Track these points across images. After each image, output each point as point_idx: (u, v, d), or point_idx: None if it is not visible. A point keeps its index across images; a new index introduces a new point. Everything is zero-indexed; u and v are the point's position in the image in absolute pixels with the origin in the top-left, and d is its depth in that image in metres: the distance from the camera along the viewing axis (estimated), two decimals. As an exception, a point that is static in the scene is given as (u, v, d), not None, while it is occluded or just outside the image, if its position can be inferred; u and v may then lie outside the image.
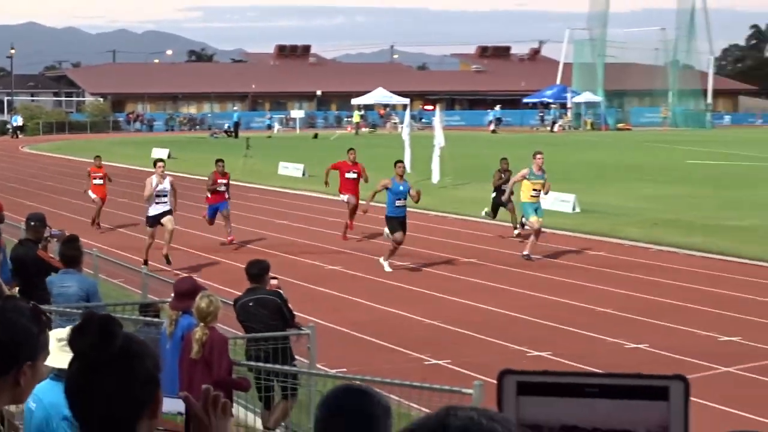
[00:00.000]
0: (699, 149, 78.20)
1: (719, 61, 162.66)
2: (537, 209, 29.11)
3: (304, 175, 56.03)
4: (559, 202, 40.16)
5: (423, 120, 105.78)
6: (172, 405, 3.89)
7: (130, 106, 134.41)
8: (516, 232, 32.64)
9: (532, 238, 28.86)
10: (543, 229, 29.85)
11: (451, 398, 10.57)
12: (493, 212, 34.26)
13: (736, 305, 22.92)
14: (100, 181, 36.80)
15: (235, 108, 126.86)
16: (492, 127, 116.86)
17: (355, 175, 34.43)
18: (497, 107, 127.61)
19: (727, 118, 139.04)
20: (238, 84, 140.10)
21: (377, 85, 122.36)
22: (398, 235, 27.23)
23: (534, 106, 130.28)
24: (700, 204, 41.38)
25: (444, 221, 38.25)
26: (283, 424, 14.45)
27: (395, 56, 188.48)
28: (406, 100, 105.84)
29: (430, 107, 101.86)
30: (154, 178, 28.28)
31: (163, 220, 28.10)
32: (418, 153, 53.56)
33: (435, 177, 50.78)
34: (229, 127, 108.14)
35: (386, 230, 28.99)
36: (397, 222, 27.53)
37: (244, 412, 14.51)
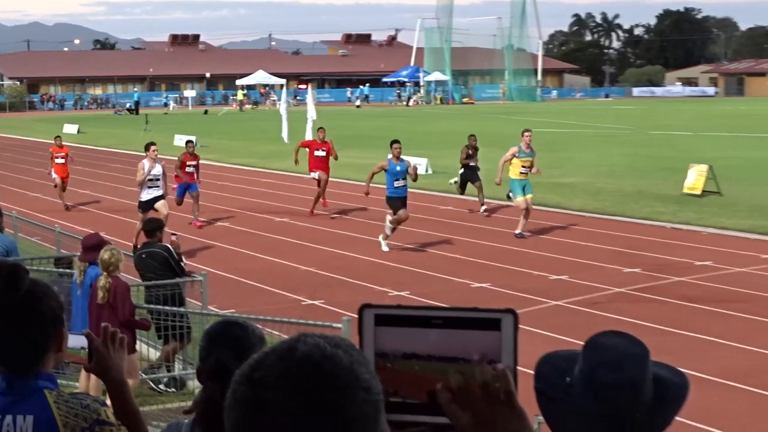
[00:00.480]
0: (531, 119, 79.03)
1: (547, 45, 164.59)
2: (525, 187, 25.05)
3: (196, 145, 55.70)
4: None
5: (298, 97, 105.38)
6: (76, 341, 3.87)
7: (43, 89, 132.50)
8: (483, 208, 28.79)
9: (522, 217, 24.95)
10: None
11: (323, 332, 10.51)
12: (461, 188, 30.12)
13: (564, 249, 23.23)
14: (62, 161, 32.35)
15: (135, 89, 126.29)
16: (358, 102, 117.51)
17: (324, 153, 29.76)
18: (367, 86, 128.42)
19: (554, 93, 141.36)
20: (137, 68, 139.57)
21: (258, 68, 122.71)
22: (402, 212, 23.12)
23: (392, 84, 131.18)
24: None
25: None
26: (180, 357, 14.36)
27: (273, 43, 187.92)
28: (283, 81, 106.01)
29: (304, 86, 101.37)
30: (146, 162, 23.98)
31: (157, 206, 23.82)
32: (294, 125, 53.58)
33: (308, 146, 50.72)
34: (130, 105, 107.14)
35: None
36: (399, 201, 23.28)
37: (146, 347, 14.37)
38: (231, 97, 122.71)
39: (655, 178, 35.79)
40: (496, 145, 52.51)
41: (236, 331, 4.04)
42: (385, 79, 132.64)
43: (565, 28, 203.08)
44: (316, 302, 18.36)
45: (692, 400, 10.81)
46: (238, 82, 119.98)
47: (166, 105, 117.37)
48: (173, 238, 15.57)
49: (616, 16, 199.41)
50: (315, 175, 29.82)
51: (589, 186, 34.08)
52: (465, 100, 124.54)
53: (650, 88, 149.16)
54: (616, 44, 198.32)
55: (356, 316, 2.20)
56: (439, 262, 22.14)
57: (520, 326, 2.10)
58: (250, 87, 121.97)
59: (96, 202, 33.36)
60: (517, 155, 25.39)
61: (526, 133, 25.69)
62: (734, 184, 32.68)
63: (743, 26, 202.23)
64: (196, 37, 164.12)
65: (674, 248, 23.16)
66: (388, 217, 23.48)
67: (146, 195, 23.95)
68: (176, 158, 28.65)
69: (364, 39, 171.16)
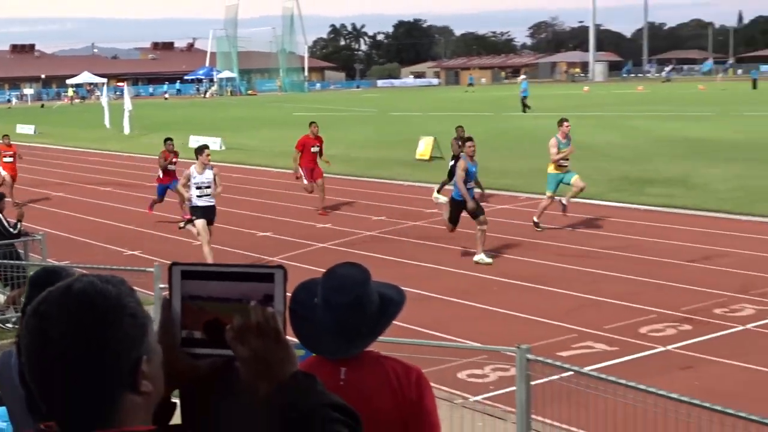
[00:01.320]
0: (300, 106, 79.09)
1: (311, 49, 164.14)
2: (563, 179, 18.95)
3: (35, 132, 54.00)
4: (211, 143, 39.97)
5: (117, 93, 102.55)
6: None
7: None
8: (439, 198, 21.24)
9: (570, 194, 19.08)
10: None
11: (138, 275, 10.37)
12: (449, 177, 21.73)
13: (327, 204, 23.31)
14: (10, 159, 25.82)
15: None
16: (166, 95, 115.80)
17: (318, 149, 22.49)
18: (177, 82, 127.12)
19: (318, 85, 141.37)
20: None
21: (84, 70, 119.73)
22: (482, 218, 16.25)
23: (192, 81, 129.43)
24: (302, 141, 41.83)
25: (133, 159, 37.40)
26: (23, 299, 13.86)
27: (95, 50, 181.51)
28: (105, 80, 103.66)
29: (121, 84, 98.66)
30: (193, 170, 16.21)
31: (198, 225, 16.11)
32: (115, 115, 52.47)
33: (126, 130, 49.96)
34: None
35: (438, 196, 18.65)
36: (465, 204, 16.33)
37: (-3, 294, 13.84)
38: (63, 94, 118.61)
39: (394, 148, 36.32)
40: (270, 126, 52.58)
41: (52, 277, 3.91)
42: (186, 77, 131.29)
43: (325, 36, 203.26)
44: (135, 252, 17.96)
45: (424, 313, 10.97)
46: (68, 81, 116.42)
47: (9, 101, 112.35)
48: (21, 209, 15.02)
49: (363, 26, 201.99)
50: (307, 185, 22.33)
51: (345, 156, 34.26)
52: (249, 92, 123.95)
53: (390, 81, 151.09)
54: (363, 47, 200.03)
55: (165, 261, 2.19)
56: (232, 217, 21.93)
57: (295, 263, 2.12)
58: (78, 85, 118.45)
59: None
60: (559, 147, 19.02)
61: (565, 123, 19.15)
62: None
63: (458, 32, 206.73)
64: (32, 46, 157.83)
65: (410, 201, 23.58)
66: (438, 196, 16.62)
67: (197, 201, 16.20)
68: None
69: (168, 46, 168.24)
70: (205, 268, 2.16)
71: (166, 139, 22.29)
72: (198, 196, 16.14)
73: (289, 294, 2.21)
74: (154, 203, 22.00)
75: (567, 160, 19.06)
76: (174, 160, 21.76)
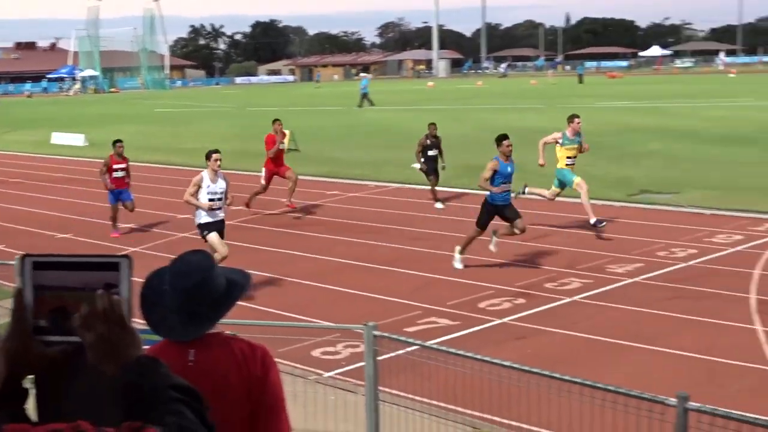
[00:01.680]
0: (162, 102, 77.66)
1: (172, 48, 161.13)
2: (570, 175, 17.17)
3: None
4: (73, 139, 38.90)
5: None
6: None
7: None
8: (438, 205, 20.12)
9: (585, 200, 16.74)
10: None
11: (1, 269, 10.04)
12: (432, 175, 20.51)
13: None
14: None
15: None
16: (27, 93, 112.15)
17: (284, 146, 20.79)
18: (44, 80, 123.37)
19: (179, 83, 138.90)
20: None
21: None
22: (519, 222, 14.26)
23: (55, 79, 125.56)
24: (165, 135, 41.04)
25: (3, 156, 36.03)
26: None
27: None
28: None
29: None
30: (206, 175, 13.52)
31: (213, 242, 13.11)
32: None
33: (-10, 128, 48.03)
34: None
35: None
36: (508, 209, 14.42)
37: None
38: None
39: (253, 141, 35.91)
40: (132, 122, 51.44)
41: None
42: (49, 76, 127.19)
43: (185, 35, 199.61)
44: (0, 247, 17.31)
45: (282, 296, 10.96)
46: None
47: None
48: None
49: (222, 26, 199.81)
50: (261, 188, 20.45)
51: (204, 149, 33.78)
52: (112, 89, 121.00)
53: (248, 78, 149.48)
54: (222, 46, 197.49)
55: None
56: (94, 210, 21.40)
57: (155, 253, 2.12)
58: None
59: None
60: (560, 142, 17.06)
61: (576, 119, 17.03)
62: (308, 144, 33.41)
63: (311, 32, 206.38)
64: None
65: (268, 191, 23.42)
66: (494, 236, 14.83)
67: (207, 216, 13.40)
68: None
69: (31, 45, 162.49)
70: (55, 259, 2.14)
71: (115, 142, 18.60)
72: (210, 207, 13.41)
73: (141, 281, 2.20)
74: (113, 221, 18.25)
75: (573, 158, 17.17)
76: (122, 166, 18.24)
